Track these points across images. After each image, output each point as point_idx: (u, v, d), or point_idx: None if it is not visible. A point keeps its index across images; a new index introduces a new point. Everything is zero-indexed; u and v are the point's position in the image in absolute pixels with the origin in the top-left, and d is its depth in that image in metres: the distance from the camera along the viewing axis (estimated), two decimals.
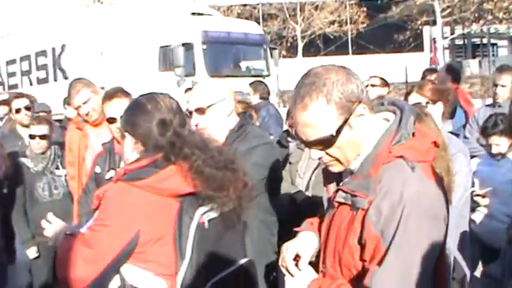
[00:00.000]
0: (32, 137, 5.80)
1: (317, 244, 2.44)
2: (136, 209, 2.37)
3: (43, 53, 19.74)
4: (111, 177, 4.36)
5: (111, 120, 4.36)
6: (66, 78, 17.07)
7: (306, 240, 2.47)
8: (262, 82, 9.48)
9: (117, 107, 4.29)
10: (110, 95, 4.42)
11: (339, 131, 2.08)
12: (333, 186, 2.38)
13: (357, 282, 2.13)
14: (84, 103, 5.09)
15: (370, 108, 2.16)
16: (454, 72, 7.76)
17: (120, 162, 4.36)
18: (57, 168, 5.89)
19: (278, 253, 3.67)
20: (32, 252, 5.79)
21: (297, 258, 2.36)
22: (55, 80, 19.17)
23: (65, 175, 5.77)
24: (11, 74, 20.86)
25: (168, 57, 15.66)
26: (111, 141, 4.51)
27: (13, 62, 20.88)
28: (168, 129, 2.56)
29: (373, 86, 7.80)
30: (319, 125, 2.08)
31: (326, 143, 2.10)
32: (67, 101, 9.53)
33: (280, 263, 2.47)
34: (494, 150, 4.72)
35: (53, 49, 19.29)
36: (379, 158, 2.11)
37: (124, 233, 2.36)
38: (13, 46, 20.65)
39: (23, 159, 5.85)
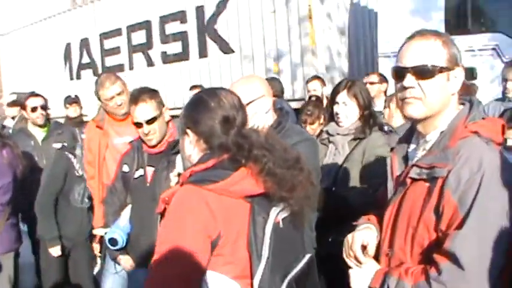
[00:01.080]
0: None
1: (378, 236, 2.59)
2: (209, 212, 2.32)
3: None
4: (140, 176, 4.37)
5: (138, 125, 4.31)
6: None
7: (368, 232, 2.63)
8: (275, 79, 9.38)
9: (143, 112, 4.28)
10: (135, 99, 4.34)
11: (441, 70, 2.33)
12: (399, 166, 2.53)
13: (432, 252, 2.23)
14: (118, 94, 5.07)
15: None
16: None
17: (149, 160, 4.38)
18: None
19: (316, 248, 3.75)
20: (56, 251, 5.72)
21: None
22: None
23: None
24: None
25: None
26: (139, 140, 4.47)
27: None
28: (232, 126, 2.53)
29: (371, 83, 7.86)
30: (430, 54, 2.34)
31: (426, 72, 2.33)
32: (68, 101, 9.57)
33: (346, 253, 2.60)
34: (510, 143, 4.76)
35: None
36: (457, 132, 2.31)
37: (202, 239, 2.31)
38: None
39: (70, 156, 5.78)
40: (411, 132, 2.61)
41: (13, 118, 8.08)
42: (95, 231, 4.81)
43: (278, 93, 8.53)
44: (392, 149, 2.72)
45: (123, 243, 4.22)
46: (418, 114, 2.38)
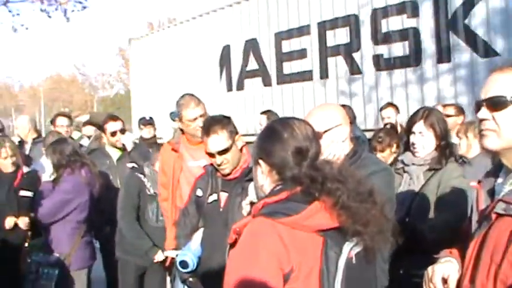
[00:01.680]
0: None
1: (459, 270, 2.54)
2: (282, 245, 2.28)
3: None
4: (213, 201, 4.40)
5: (211, 155, 4.37)
6: None
7: (449, 265, 2.59)
8: (346, 105, 9.26)
9: (215, 144, 4.32)
10: (207, 130, 4.38)
11: None
12: (485, 200, 2.47)
13: None
14: (201, 116, 5.12)
15: None
16: None
17: (223, 186, 4.41)
18: None
19: (391, 280, 3.68)
20: (160, 256, 5.73)
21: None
22: None
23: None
24: None
25: None
26: (212, 164, 4.51)
27: None
28: (305, 158, 2.50)
29: (448, 116, 7.71)
30: (504, 86, 2.32)
31: (498, 104, 2.31)
32: (143, 122, 9.74)
33: (426, 285, 2.60)
34: None
35: None
36: None
37: (275, 272, 2.28)
38: None
39: (140, 176, 5.90)
40: (499, 166, 2.55)
41: (88, 137, 8.26)
42: (166, 253, 4.87)
43: (350, 119, 8.46)
44: (479, 182, 2.66)
45: (193, 266, 4.25)
46: (493, 147, 2.35)
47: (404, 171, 4.46)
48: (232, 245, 2.43)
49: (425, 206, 4.23)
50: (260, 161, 2.60)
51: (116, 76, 62.44)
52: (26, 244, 5.79)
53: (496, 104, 2.32)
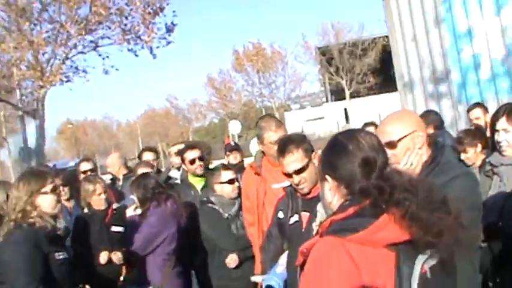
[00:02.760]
0: (228, 182, 5.96)
1: None
2: (353, 264, 2.20)
3: None
4: (295, 222, 4.34)
5: (288, 175, 4.32)
6: None
7: None
8: (433, 111, 9.03)
9: (291, 163, 4.28)
10: (282, 151, 4.36)
11: None
12: None
13: None
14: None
15: None
16: None
17: (304, 205, 4.33)
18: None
19: None
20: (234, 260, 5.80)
21: None
22: None
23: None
24: None
25: None
26: (291, 185, 4.45)
27: None
28: (373, 169, 2.40)
29: None
30: None
31: None
32: (228, 148, 9.80)
33: None
34: None
35: None
36: None
37: None
38: None
39: (211, 205, 5.96)
40: None
41: (178, 169, 8.36)
42: (252, 278, 4.83)
43: (438, 125, 8.21)
44: None
45: None
46: None
47: (494, 173, 4.27)
48: (302, 266, 2.35)
49: None
50: (327, 177, 2.51)
51: (208, 105, 63.49)
52: (121, 278, 5.91)
53: None
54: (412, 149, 3.39)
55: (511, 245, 3.80)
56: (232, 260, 5.76)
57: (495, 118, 4.29)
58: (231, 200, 5.96)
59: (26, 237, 4.19)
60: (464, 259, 2.62)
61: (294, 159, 4.27)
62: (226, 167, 6.23)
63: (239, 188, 5.95)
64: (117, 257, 5.84)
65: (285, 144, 4.38)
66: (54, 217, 4.42)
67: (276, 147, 5.04)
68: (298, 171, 4.25)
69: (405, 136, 3.39)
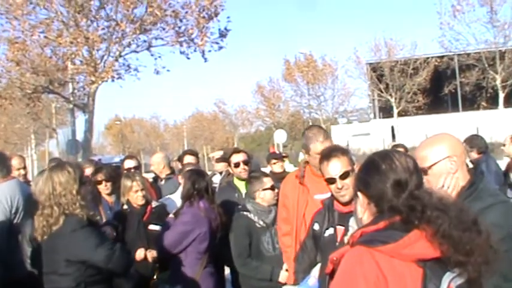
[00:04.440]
0: (269, 188, 6.00)
1: None
2: (381, 274, 2.25)
3: None
4: (330, 235, 4.37)
5: (331, 181, 4.35)
6: None
7: None
8: (477, 136, 8.97)
9: (336, 167, 4.32)
10: (327, 155, 4.41)
11: None
12: None
13: None
14: None
15: None
16: None
17: (339, 219, 4.35)
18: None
19: None
20: (283, 276, 5.77)
21: None
22: None
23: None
24: None
25: None
26: (330, 197, 4.48)
27: None
28: (403, 190, 2.44)
29: None
30: None
31: None
32: (272, 156, 9.85)
33: None
34: None
35: None
36: None
37: None
38: None
39: (245, 213, 6.01)
40: None
41: (220, 173, 8.45)
42: None
43: (482, 150, 8.14)
44: None
45: None
46: None
47: None
48: (331, 275, 2.41)
49: None
50: (358, 193, 2.59)
51: (255, 113, 63.60)
52: (155, 277, 6.00)
53: None
54: (447, 175, 3.39)
55: None
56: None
57: None
58: (268, 207, 5.98)
59: (80, 222, 4.47)
60: (491, 278, 2.61)
61: (340, 163, 4.33)
62: (266, 174, 6.29)
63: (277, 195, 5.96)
64: (151, 255, 5.92)
65: (331, 149, 4.48)
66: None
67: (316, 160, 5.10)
68: (343, 176, 4.30)
69: (436, 163, 3.39)
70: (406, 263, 2.28)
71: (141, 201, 6.26)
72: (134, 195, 6.25)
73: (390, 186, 2.46)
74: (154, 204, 6.48)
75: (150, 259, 5.93)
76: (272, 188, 5.98)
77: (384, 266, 2.26)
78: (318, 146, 5.11)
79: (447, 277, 2.29)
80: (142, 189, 6.27)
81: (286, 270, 5.67)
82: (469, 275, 2.31)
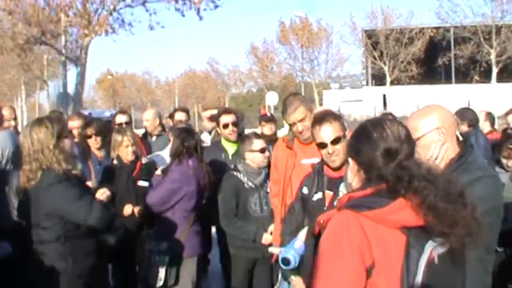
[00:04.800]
0: (260, 151, 6.01)
1: None
2: (365, 239, 2.30)
3: None
4: (318, 199, 4.40)
5: (322, 145, 4.36)
6: None
7: None
8: (469, 109, 9.00)
9: (328, 132, 4.33)
10: (319, 120, 4.41)
11: None
12: None
13: None
14: (300, 121, 5.11)
15: None
16: None
17: (329, 184, 4.39)
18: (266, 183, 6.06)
19: None
20: (267, 239, 5.88)
21: None
22: None
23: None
24: None
25: None
26: (320, 162, 4.51)
27: None
28: (393, 159, 2.47)
29: None
30: None
31: None
32: (264, 119, 9.85)
33: None
34: None
35: None
36: None
37: (358, 265, 2.30)
38: None
39: (235, 173, 6.06)
40: None
41: (210, 132, 8.45)
42: (270, 249, 4.91)
43: (472, 123, 8.17)
44: None
45: (295, 264, 4.24)
46: None
47: None
48: (317, 237, 2.45)
49: None
50: (349, 159, 2.64)
51: (248, 74, 63.36)
52: (143, 233, 6.03)
53: None
54: (434, 146, 3.41)
55: None
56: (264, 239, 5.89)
57: None
58: (259, 169, 6.02)
59: (57, 177, 4.50)
60: (474, 249, 2.66)
61: (332, 128, 4.33)
62: (258, 135, 6.27)
63: (269, 158, 6.00)
64: (138, 210, 5.96)
65: (324, 114, 4.46)
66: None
67: (294, 128, 5.15)
68: (334, 141, 4.30)
69: (425, 134, 3.43)
70: (390, 229, 2.32)
71: (131, 157, 6.26)
72: (124, 151, 6.25)
73: (380, 154, 2.49)
74: (144, 160, 6.49)
75: (137, 214, 5.97)
76: (262, 151, 6.00)
77: (368, 231, 2.31)
78: (287, 117, 5.18)
79: (429, 245, 2.34)
80: (132, 145, 6.27)
81: (271, 233, 5.78)
82: (451, 245, 2.37)
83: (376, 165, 2.48)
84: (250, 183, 6.00)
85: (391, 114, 9.51)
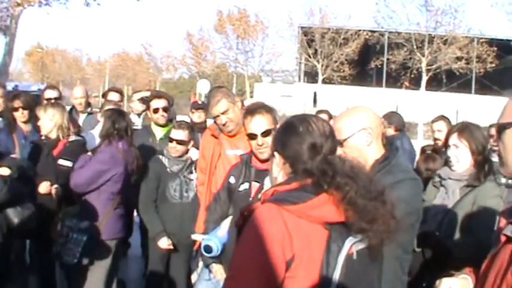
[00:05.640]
0: (170, 140, 6.01)
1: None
2: (287, 232, 2.33)
3: None
4: (244, 189, 4.44)
5: (252, 136, 4.40)
6: None
7: (462, 281, 2.65)
8: (396, 113, 9.22)
9: (259, 124, 4.38)
10: (252, 111, 4.45)
11: None
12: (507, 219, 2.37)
13: None
14: (223, 113, 5.14)
15: None
16: None
17: (256, 176, 4.43)
18: (191, 172, 6.08)
19: None
20: (163, 243, 5.97)
21: None
22: None
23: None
24: None
25: None
26: (249, 153, 4.55)
27: None
28: (318, 153, 2.54)
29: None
30: None
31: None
32: (194, 106, 9.83)
33: None
34: None
35: None
36: None
37: (278, 258, 2.32)
38: None
39: (160, 157, 6.07)
40: None
41: (139, 115, 8.37)
42: (193, 236, 4.93)
43: (399, 127, 8.37)
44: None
45: (217, 252, 4.28)
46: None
47: (441, 185, 4.43)
48: (240, 228, 2.49)
49: (457, 222, 4.18)
50: (275, 153, 2.68)
51: (181, 60, 62.89)
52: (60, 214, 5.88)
53: None
54: (360, 146, 3.49)
55: (443, 254, 3.97)
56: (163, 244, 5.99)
57: (449, 134, 4.49)
58: (178, 157, 6.07)
59: None
60: (390, 245, 2.75)
61: (264, 120, 4.39)
62: (179, 125, 6.18)
63: (187, 150, 6.09)
64: (55, 191, 5.89)
65: (257, 105, 4.54)
66: None
67: (218, 121, 5.22)
68: (265, 133, 4.35)
69: (352, 136, 3.49)
70: (313, 224, 2.37)
71: (53, 134, 6.15)
72: (42, 124, 6.15)
73: (306, 148, 2.56)
74: (72, 138, 6.30)
75: (54, 195, 5.89)
76: (177, 142, 6.00)
77: (290, 225, 2.34)
78: (210, 110, 5.25)
79: (349, 241, 2.39)
80: (52, 120, 6.12)
81: (170, 244, 5.93)
82: (369, 241, 2.44)
83: (301, 158, 2.54)
84: (172, 169, 6.03)
85: (326, 111, 9.59)
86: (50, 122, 6.13)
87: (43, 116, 6.13)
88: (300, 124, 2.63)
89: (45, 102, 7.36)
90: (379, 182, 2.55)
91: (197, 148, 5.98)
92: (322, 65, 46.06)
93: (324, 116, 8.99)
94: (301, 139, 2.58)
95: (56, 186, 5.88)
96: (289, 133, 2.64)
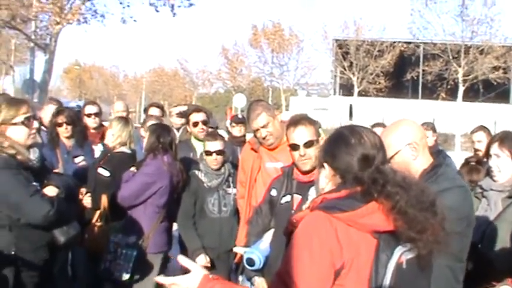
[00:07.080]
0: (208, 153, 6.00)
1: None
2: (336, 241, 2.34)
3: None
4: (286, 202, 4.46)
5: (295, 147, 4.42)
6: None
7: None
8: (430, 122, 9.10)
9: (302, 135, 4.40)
10: (295, 122, 4.48)
11: None
12: None
13: None
14: (263, 127, 5.18)
15: None
16: None
17: (297, 188, 4.45)
18: (229, 186, 6.09)
19: None
20: (201, 260, 5.88)
21: None
22: None
23: (235, 193, 5.96)
24: None
25: None
26: (291, 166, 4.57)
27: None
28: (370, 165, 2.53)
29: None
30: None
31: None
32: (235, 120, 9.88)
33: None
34: None
35: None
36: None
37: (327, 266, 2.33)
38: None
39: (196, 172, 6.07)
40: None
41: (178, 129, 8.43)
42: (235, 249, 4.95)
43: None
44: None
45: (259, 265, 4.28)
46: None
47: (483, 196, 4.38)
48: (289, 236, 2.50)
49: (499, 234, 4.11)
50: (325, 164, 2.66)
51: (217, 74, 63.12)
52: (99, 223, 5.94)
53: None
54: (406, 161, 3.48)
55: (484, 268, 3.93)
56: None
57: (490, 143, 4.42)
58: (217, 170, 6.06)
59: (6, 163, 4.10)
60: (440, 257, 2.73)
61: (306, 131, 4.41)
62: (215, 137, 6.16)
63: (224, 161, 6.08)
64: (86, 201, 6.00)
65: (300, 117, 4.54)
66: (28, 148, 4.30)
67: (258, 134, 5.26)
68: (307, 144, 4.38)
69: (398, 152, 3.50)
70: (362, 232, 2.37)
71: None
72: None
73: (357, 160, 2.54)
74: (118, 149, 6.21)
75: (85, 204, 6.00)
76: (217, 153, 5.98)
77: (340, 233, 2.35)
78: (251, 123, 5.30)
79: (399, 250, 2.39)
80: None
81: (208, 262, 5.82)
82: (419, 251, 2.43)
83: (352, 170, 2.52)
84: (209, 183, 6.02)
85: (383, 125, 9.58)
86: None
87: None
88: (351, 135, 2.61)
89: (85, 117, 7.49)
90: (431, 192, 2.54)
91: (237, 162, 6.01)
92: (357, 78, 45.89)
93: (380, 129, 8.97)
94: (352, 151, 2.56)
95: (88, 196, 6.02)
96: (339, 144, 2.61)
